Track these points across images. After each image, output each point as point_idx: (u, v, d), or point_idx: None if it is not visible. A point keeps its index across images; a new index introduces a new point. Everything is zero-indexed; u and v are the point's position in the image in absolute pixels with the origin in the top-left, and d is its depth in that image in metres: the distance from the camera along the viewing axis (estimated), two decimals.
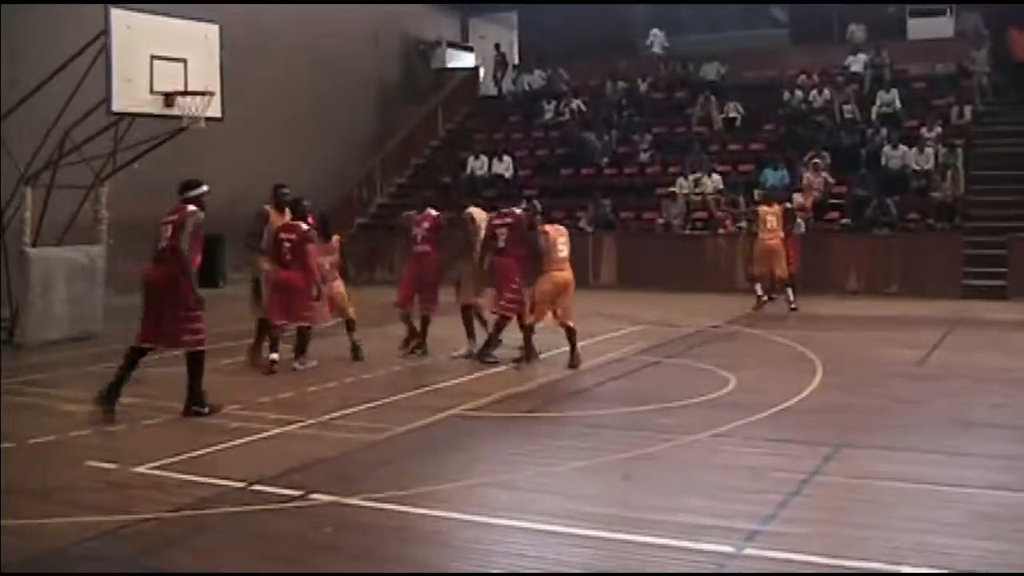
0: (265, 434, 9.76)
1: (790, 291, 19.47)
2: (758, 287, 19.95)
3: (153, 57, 15.50)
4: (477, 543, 6.88)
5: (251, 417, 10.41)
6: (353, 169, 30.22)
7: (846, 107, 27.11)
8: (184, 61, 15.84)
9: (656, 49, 32.84)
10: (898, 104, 26.69)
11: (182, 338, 10.54)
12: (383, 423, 10.10)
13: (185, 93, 15.79)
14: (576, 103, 31.03)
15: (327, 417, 10.41)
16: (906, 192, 24.06)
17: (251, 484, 7.96)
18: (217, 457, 8.92)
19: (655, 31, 32.89)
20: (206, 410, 10.52)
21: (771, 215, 19.75)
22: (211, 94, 16.05)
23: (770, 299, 19.92)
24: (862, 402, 11.25)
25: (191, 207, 10.71)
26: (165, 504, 7.54)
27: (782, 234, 19.67)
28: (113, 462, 8.65)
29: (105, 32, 15.18)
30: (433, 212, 14.62)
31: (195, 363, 10.56)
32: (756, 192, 22.63)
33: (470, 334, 14.05)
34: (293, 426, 10.06)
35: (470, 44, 37.71)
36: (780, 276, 19.53)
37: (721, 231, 24.36)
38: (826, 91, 27.89)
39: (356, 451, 9.14)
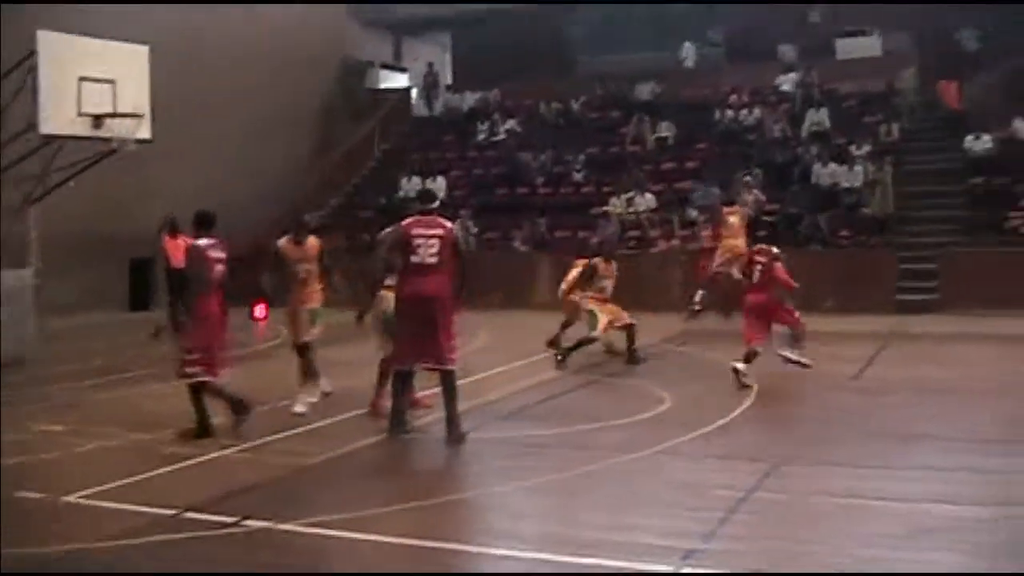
0: (200, 459, 9.61)
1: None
2: (699, 294, 20.11)
3: (81, 79, 15.32)
4: (416, 567, 6.81)
5: (186, 443, 10.24)
6: (290, 189, 30.00)
7: (777, 126, 27.37)
8: (113, 83, 15.67)
9: (689, 63, 32.48)
10: (827, 123, 26.98)
11: (450, 356, 10.26)
12: (319, 446, 9.98)
13: (114, 115, 15.62)
14: (511, 123, 31.07)
15: (263, 441, 10.27)
16: (837, 208, 24.29)
17: (184, 511, 7.82)
18: (150, 484, 8.77)
19: (687, 44, 32.43)
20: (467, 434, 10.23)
21: (733, 215, 20.06)
22: (140, 116, 15.90)
23: (700, 311, 20.10)
24: (799, 417, 11.34)
25: (448, 223, 10.48)
26: (95, 534, 7.39)
27: (743, 238, 19.25)
28: (42, 491, 8.47)
29: (33, 53, 15.00)
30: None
31: (455, 384, 10.30)
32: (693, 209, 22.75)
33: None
34: (229, 451, 9.92)
35: (404, 65, 37.68)
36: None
37: (653, 250, 24.45)
38: (757, 110, 28.16)
39: (292, 475, 9.04)
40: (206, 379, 10.55)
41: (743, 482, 8.42)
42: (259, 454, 9.81)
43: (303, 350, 12.13)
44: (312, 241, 12.29)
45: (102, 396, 11.75)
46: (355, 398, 12.31)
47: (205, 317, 10.59)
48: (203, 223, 10.92)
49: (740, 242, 19.25)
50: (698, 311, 20.01)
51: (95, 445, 10.26)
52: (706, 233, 21.73)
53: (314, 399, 11.90)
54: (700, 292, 20.13)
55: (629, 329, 15.64)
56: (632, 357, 15.41)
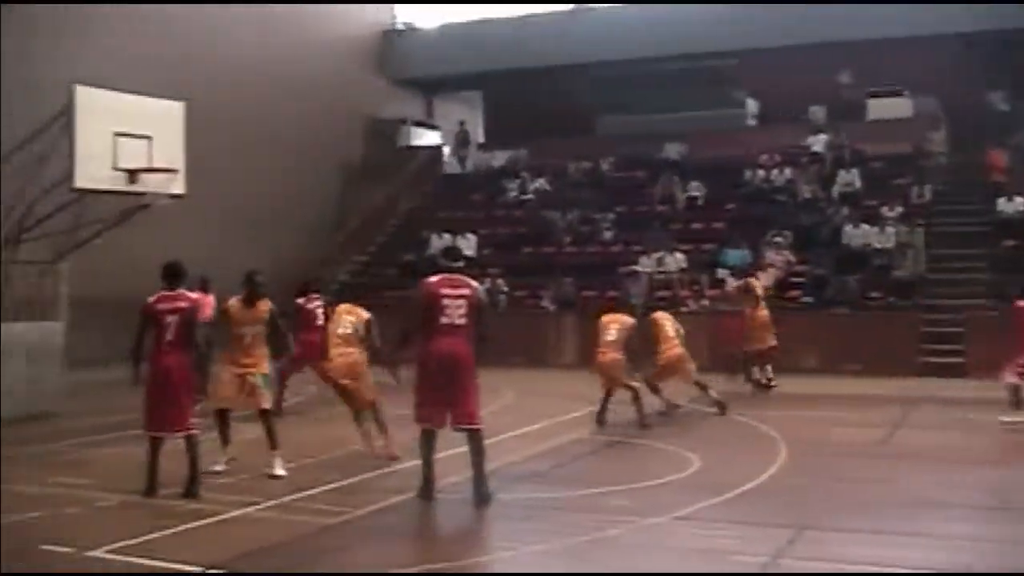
0: (223, 516, 9.62)
1: (769, 367, 19.53)
2: (756, 370, 19.72)
3: (117, 134, 15.50)
4: None
5: (209, 499, 10.25)
6: (314, 247, 30.17)
7: (807, 187, 27.37)
8: (148, 138, 15.85)
9: (751, 120, 32.52)
10: (858, 183, 27.00)
11: (477, 416, 10.22)
12: (341, 505, 9.97)
13: (149, 170, 15.79)
14: (539, 182, 31.21)
15: (286, 499, 10.27)
16: (867, 270, 24.24)
17: (208, 569, 7.83)
18: (173, 540, 8.78)
19: (750, 101, 32.44)
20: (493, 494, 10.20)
21: (759, 287, 20.13)
22: (175, 171, 16.07)
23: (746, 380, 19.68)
24: (825, 483, 11.21)
25: (474, 282, 10.47)
26: None
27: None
28: (68, 546, 8.49)
29: (69, 108, 15.19)
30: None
31: (482, 444, 10.23)
32: (723, 268, 22.60)
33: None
34: (251, 508, 9.91)
35: (435, 123, 37.95)
36: (773, 347, 19.46)
37: (684, 309, 24.39)
38: (787, 170, 28.20)
39: (312, 535, 9.01)
40: (152, 435, 10.50)
41: (766, 548, 8.36)
42: (282, 513, 9.80)
43: (266, 415, 11.69)
44: (262, 304, 11.77)
45: (125, 451, 11.75)
46: (382, 456, 12.33)
47: (155, 372, 10.50)
48: (166, 276, 10.86)
49: (765, 312, 19.27)
50: (768, 384, 19.57)
51: (118, 500, 10.28)
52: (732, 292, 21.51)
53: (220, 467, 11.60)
54: (755, 368, 19.84)
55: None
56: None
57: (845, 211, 25.90)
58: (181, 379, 10.58)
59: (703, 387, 16.48)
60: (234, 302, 11.76)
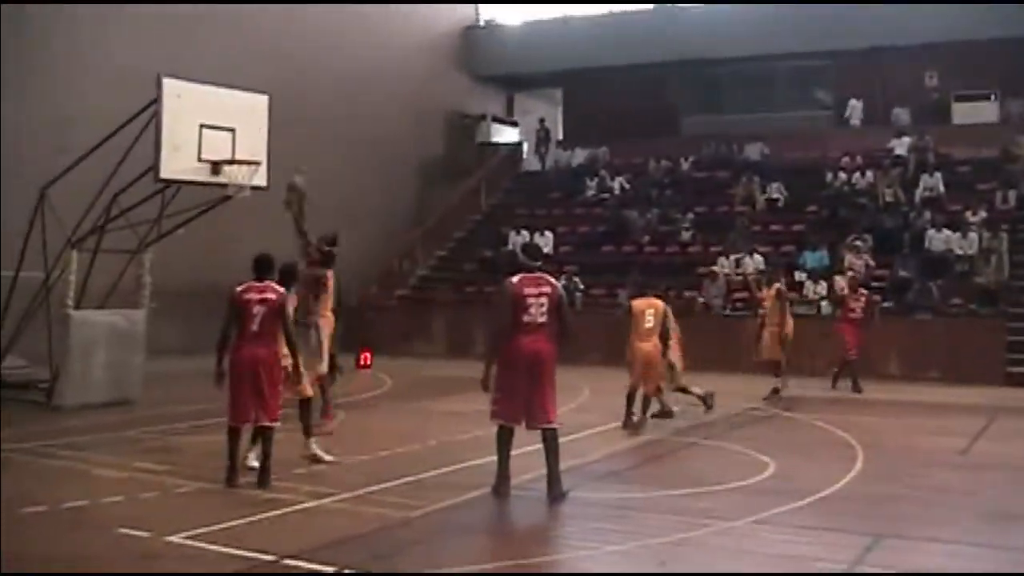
0: (299, 507, 9.68)
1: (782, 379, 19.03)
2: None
3: (202, 126, 15.68)
4: None
5: (285, 488, 10.33)
6: (393, 242, 30.35)
7: (888, 190, 27.02)
8: (232, 130, 16.01)
9: (855, 121, 31.78)
10: (942, 188, 26.62)
11: (553, 414, 10.27)
12: (417, 499, 9.98)
13: (232, 162, 15.96)
14: (618, 180, 31.13)
15: (362, 491, 10.31)
16: (949, 276, 23.88)
17: (282, 558, 7.89)
18: (249, 529, 8.85)
19: (853, 102, 31.72)
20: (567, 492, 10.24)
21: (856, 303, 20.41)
22: (258, 163, 16.22)
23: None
24: (904, 491, 11.04)
25: (554, 280, 10.52)
26: None
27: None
28: (146, 530, 8.60)
29: (156, 100, 15.38)
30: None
31: (557, 442, 10.29)
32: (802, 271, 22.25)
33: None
34: (327, 500, 9.97)
35: (515, 119, 37.98)
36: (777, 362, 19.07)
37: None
38: (869, 173, 27.86)
39: (390, 528, 9.03)
40: (231, 425, 10.60)
41: (845, 555, 8.25)
42: (357, 505, 9.84)
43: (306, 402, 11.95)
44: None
45: (202, 439, 11.90)
46: (458, 451, 12.37)
47: (240, 363, 10.53)
48: (257, 267, 10.87)
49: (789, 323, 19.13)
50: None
51: (195, 487, 10.40)
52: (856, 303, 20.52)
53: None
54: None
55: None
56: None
57: (928, 215, 25.53)
58: (267, 371, 10.61)
59: (662, 408, 15.57)
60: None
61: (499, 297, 10.49)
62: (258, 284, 10.75)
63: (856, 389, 19.65)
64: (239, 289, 10.71)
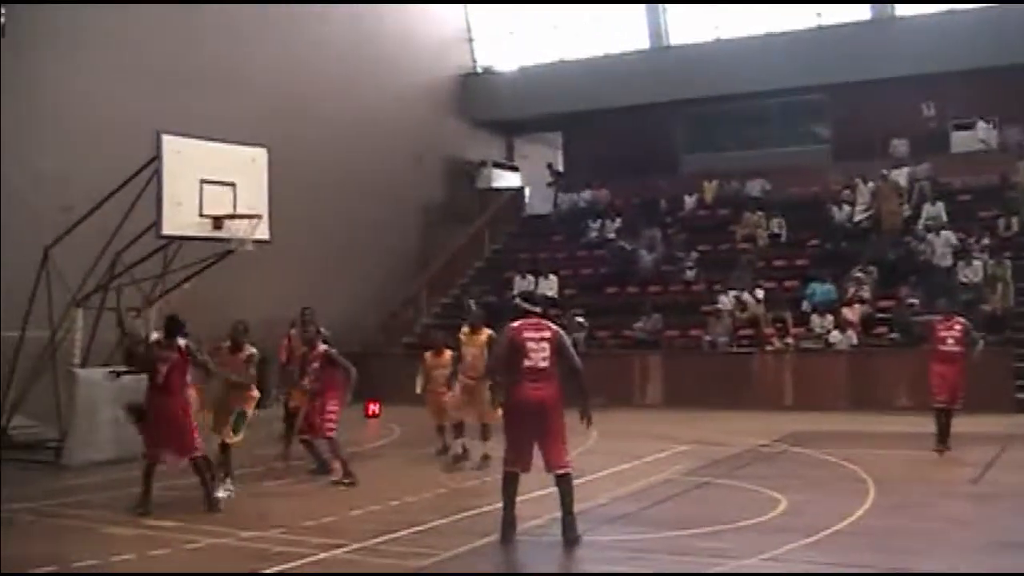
0: (310, 558, 9.64)
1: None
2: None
3: (203, 181, 15.76)
4: None
5: (294, 542, 10.30)
6: (397, 290, 30.38)
7: (887, 220, 26.99)
8: (233, 185, 16.09)
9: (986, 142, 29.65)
10: (944, 217, 26.59)
11: (565, 459, 10.27)
12: (427, 548, 9.96)
13: (234, 216, 16.01)
14: (620, 221, 31.16)
15: (371, 542, 10.28)
16: (956, 304, 23.78)
17: None
18: None
19: (982, 124, 29.44)
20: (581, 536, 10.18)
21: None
22: (259, 217, 16.27)
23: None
24: (916, 524, 11.00)
25: (554, 325, 10.57)
26: None
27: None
28: None
29: (157, 157, 15.47)
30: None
31: (571, 487, 10.28)
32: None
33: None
34: (337, 551, 9.93)
35: (515, 164, 38.11)
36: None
37: (768, 347, 24.14)
38: (867, 203, 27.80)
39: None
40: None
41: None
42: (367, 555, 9.80)
43: (225, 448, 13.27)
44: (247, 349, 13.42)
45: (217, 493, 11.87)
46: (468, 498, 12.34)
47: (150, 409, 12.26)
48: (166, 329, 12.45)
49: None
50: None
51: (206, 543, 10.37)
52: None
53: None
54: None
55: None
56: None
57: (933, 244, 25.50)
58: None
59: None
60: (222, 348, 13.54)
61: (498, 342, 10.72)
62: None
63: (940, 445, 16.15)
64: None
